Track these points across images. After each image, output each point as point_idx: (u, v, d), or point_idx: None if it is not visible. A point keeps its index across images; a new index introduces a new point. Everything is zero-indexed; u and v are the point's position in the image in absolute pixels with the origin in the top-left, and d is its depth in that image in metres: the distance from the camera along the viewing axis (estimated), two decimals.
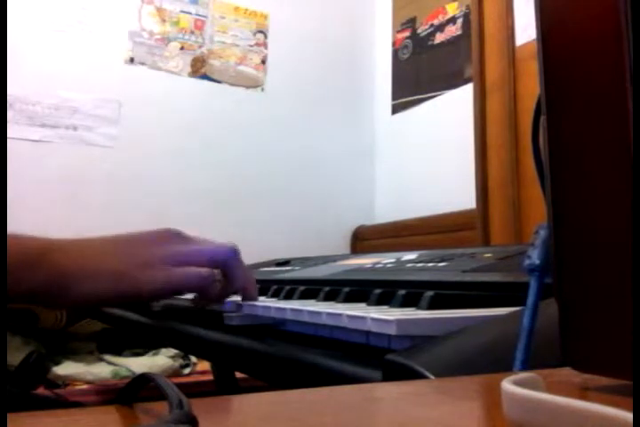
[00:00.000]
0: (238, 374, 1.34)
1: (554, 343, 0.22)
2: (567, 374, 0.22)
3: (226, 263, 0.51)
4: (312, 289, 0.55)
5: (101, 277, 0.45)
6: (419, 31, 2.32)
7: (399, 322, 0.32)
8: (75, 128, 1.98)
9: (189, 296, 0.58)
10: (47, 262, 0.45)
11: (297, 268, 0.88)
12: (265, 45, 2.36)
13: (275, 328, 0.47)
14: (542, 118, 0.23)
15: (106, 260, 0.46)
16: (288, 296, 0.56)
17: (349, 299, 0.47)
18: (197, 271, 0.48)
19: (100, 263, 0.46)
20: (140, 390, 0.22)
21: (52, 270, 0.45)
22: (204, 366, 1.53)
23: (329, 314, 0.38)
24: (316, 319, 0.40)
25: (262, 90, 2.33)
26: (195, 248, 0.50)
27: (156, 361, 1.53)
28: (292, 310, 0.43)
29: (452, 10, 2.15)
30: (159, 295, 0.49)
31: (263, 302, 0.51)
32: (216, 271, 0.50)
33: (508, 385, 0.16)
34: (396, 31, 2.46)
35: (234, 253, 0.51)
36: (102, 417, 0.21)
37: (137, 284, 0.46)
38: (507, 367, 0.27)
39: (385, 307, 0.42)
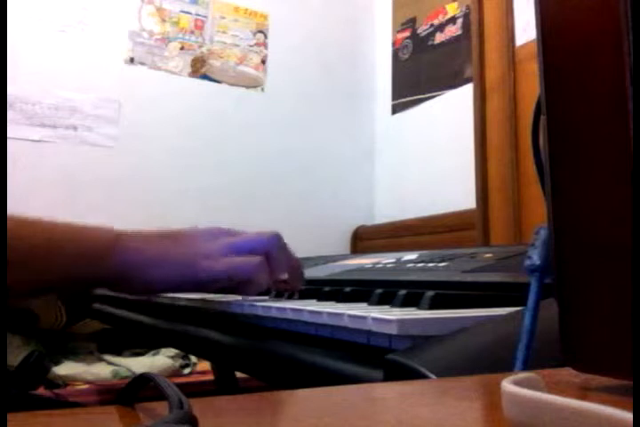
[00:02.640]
0: (238, 374, 1.34)
1: (554, 343, 0.22)
2: (567, 374, 0.22)
3: (269, 250, 0.53)
4: (313, 289, 0.55)
5: (166, 267, 0.49)
6: (419, 31, 2.32)
7: (400, 322, 0.32)
8: (75, 128, 1.98)
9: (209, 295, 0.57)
10: (117, 252, 0.48)
11: None
12: (265, 45, 2.36)
13: (275, 328, 0.47)
14: (542, 118, 0.23)
15: (170, 251, 0.50)
16: (289, 296, 0.56)
17: (350, 299, 0.47)
18: (248, 260, 0.50)
19: (165, 254, 0.49)
20: (139, 390, 0.22)
21: (122, 260, 0.48)
22: (204, 366, 1.53)
23: (330, 314, 0.38)
24: (316, 319, 0.40)
25: (262, 90, 2.33)
26: (242, 239, 0.54)
27: (156, 361, 1.53)
28: (293, 309, 0.43)
29: (452, 10, 2.15)
30: (215, 283, 0.51)
31: (264, 301, 0.51)
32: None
33: (508, 385, 0.16)
34: (396, 31, 2.46)
35: (276, 240, 0.54)
36: (102, 417, 0.21)
37: (197, 273, 0.49)
38: (507, 367, 0.27)
39: (386, 307, 0.42)
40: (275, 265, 0.53)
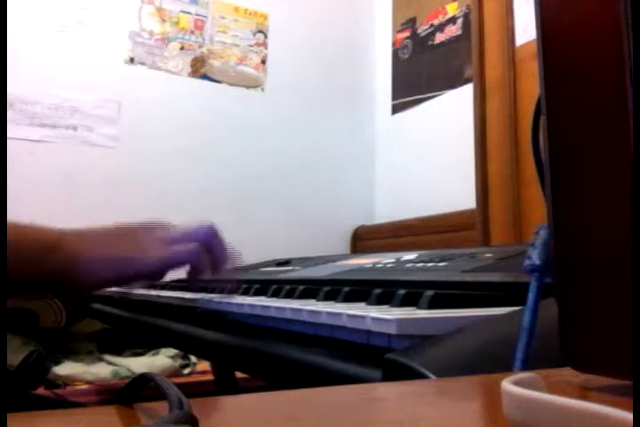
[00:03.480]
0: (238, 374, 1.34)
1: (554, 343, 0.22)
2: (567, 374, 0.22)
3: (207, 240, 0.57)
4: (312, 289, 0.55)
5: (109, 262, 0.52)
6: (419, 31, 2.32)
7: (399, 321, 0.32)
8: (75, 128, 1.98)
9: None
10: (62, 249, 0.51)
11: (297, 268, 0.88)
12: (265, 45, 2.36)
13: (275, 328, 0.47)
14: (542, 118, 0.23)
15: (112, 246, 0.53)
16: (288, 296, 0.56)
17: (349, 299, 0.47)
18: (185, 248, 0.55)
19: (108, 250, 0.53)
20: (139, 390, 0.22)
21: (67, 256, 0.51)
22: (204, 366, 1.53)
23: (329, 313, 0.38)
24: (315, 319, 0.39)
25: (262, 90, 2.33)
26: (179, 231, 0.57)
27: (156, 361, 1.53)
28: (292, 309, 0.42)
29: (452, 10, 2.15)
30: (159, 273, 0.56)
31: (263, 301, 0.51)
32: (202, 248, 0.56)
33: (508, 385, 0.16)
34: (396, 31, 2.46)
35: (213, 231, 0.58)
36: (102, 417, 0.21)
37: (139, 265, 0.53)
38: (507, 367, 0.27)
39: (385, 306, 0.42)
40: (214, 254, 0.57)
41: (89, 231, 0.55)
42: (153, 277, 0.57)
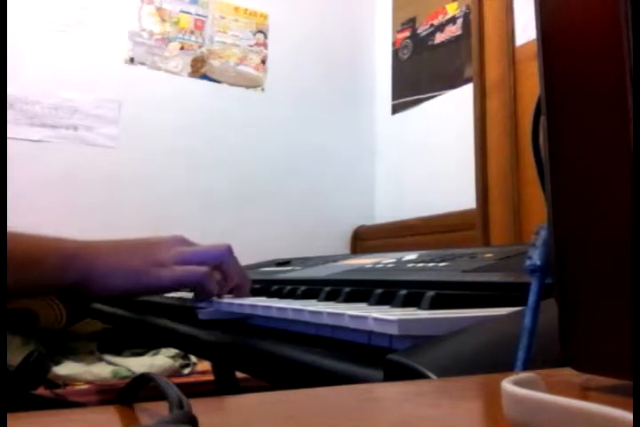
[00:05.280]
0: (238, 374, 1.34)
1: (554, 343, 0.22)
2: (567, 374, 0.22)
3: (222, 262, 0.58)
4: (313, 289, 0.55)
5: (124, 274, 0.54)
6: (419, 31, 2.32)
7: (401, 322, 0.32)
8: (75, 128, 1.98)
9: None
10: (80, 261, 0.54)
11: (297, 268, 0.88)
12: (265, 45, 2.36)
13: (275, 328, 0.47)
14: (542, 118, 0.23)
15: (127, 260, 0.55)
16: (289, 296, 0.56)
17: (350, 299, 0.47)
18: (197, 269, 0.56)
19: (123, 263, 0.55)
20: (139, 390, 0.22)
21: (84, 267, 0.53)
22: (204, 366, 1.53)
23: (330, 314, 0.38)
24: (317, 319, 0.39)
25: (262, 90, 2.33)
26: (195, 250, 0.59)
27: (156, 361, 1.53)
28: (294, 309, 0.42)
29: (452, 10, 2.15)
30: (167, 289, 0.58)
31: (264, 301, 0.51)
32: (214, 271, 0.58)
33: (508, 385, 0.16)
34: (396, 31, 2.46)
35: (228, 252, 0.59)
36: (102, 417, 0.21)
37: (151, 280, 0.54)
38: (507, 367, 0.27)
39: (386, 307, 0.42)
40: (228, 274, 0.59)
41: (106, 243, 0.57)
42: (163, 291, 0.58)
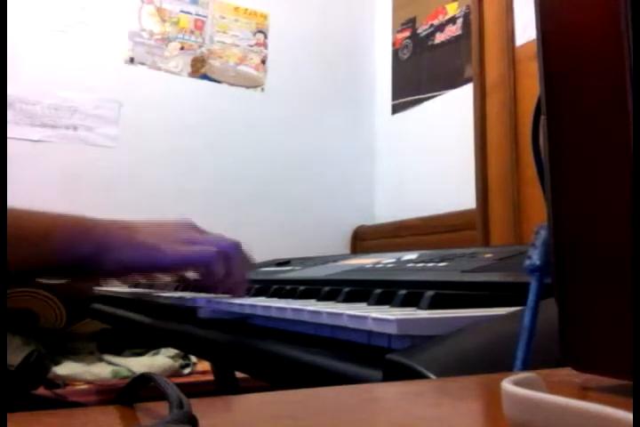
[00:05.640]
0: (238, 374, 1.34)
1: (554, 343, 0.22)
2: (567, 374, 0.22)
3: (229, 255, 0.58)
4: (312, 289, 0.55)
5: (136, 248, 0.55)
6: (419, 31, 2.32)
7: (400, 322, 0.32)
8: (75, 128, 1.98)
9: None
10: (94, 234, 0.55)
11: (297, 268, 0.88)
12: (265, 45, 2.36)
13: (275, 328, 0.47)
14: (542, 118, 0.23)
15: (141, 235, 0.57)
16: (288, 296, 0.56)
17: (350, 299, 0.47)
18: (208, 248, 0.57)
19: (137, 237, 0.56)
20: (139, 390, 0.22)
21: (98, 240, 0.55)
22: (204, 366, 1.53)
23: (329, 314, 0.38)
24: (316, 319, 0.39)
25: (262, 90, 2.33)
26: (206, 237, 0.60)
27: (156, 361, 1.53)
28: (293, 309, 0.43)
29: (452, 10, 2.15)
30: (177, 267, 0.58)
31: (264, 301, 0.51)
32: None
33: (508, 385, 0.16)
34: (396, 31, 2.46)
35: (238, 247, 0.59)
36: (102, 417, 0.21)
37: (162, 256, 0.55)
38: (507, 367, 0.27)
39: (385, 307, 0.42)
40: (231, 265, 0.58)
41: (121, 222, 0.59)
42: (170, 271, 0.59)
